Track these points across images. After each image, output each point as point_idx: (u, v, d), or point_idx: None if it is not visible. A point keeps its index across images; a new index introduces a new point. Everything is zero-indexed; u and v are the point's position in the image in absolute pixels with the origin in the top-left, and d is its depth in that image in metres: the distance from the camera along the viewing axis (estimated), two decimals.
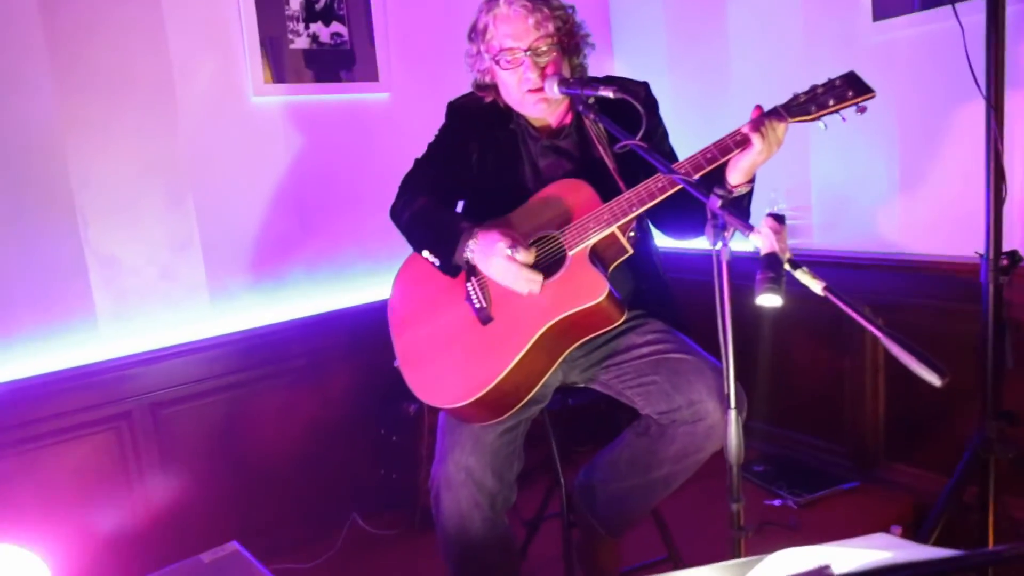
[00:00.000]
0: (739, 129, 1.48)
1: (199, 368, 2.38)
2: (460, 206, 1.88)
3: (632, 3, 3.22)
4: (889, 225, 2.51)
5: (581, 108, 1.58)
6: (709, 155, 1.50)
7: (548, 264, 1.63)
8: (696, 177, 1.49)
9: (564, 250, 1.62)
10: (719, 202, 1.21)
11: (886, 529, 2.29)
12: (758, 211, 1.49)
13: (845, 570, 0.72)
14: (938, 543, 1.93)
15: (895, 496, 2.49)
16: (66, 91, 2.16)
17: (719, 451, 1.48)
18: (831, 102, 1.45)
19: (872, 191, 2.53)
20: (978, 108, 1.89)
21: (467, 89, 1.83)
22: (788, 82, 1.57)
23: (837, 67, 1.49)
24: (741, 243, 1.18)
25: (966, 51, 1.83)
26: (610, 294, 1.55)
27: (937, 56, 2.28)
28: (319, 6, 2.55)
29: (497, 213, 1.71)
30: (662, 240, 1.85)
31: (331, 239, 2.66)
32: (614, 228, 1.57)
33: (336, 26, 2.60)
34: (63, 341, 2.19)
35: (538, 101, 1.67)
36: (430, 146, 1.86)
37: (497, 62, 1.67)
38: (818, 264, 2.59)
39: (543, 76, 1.63)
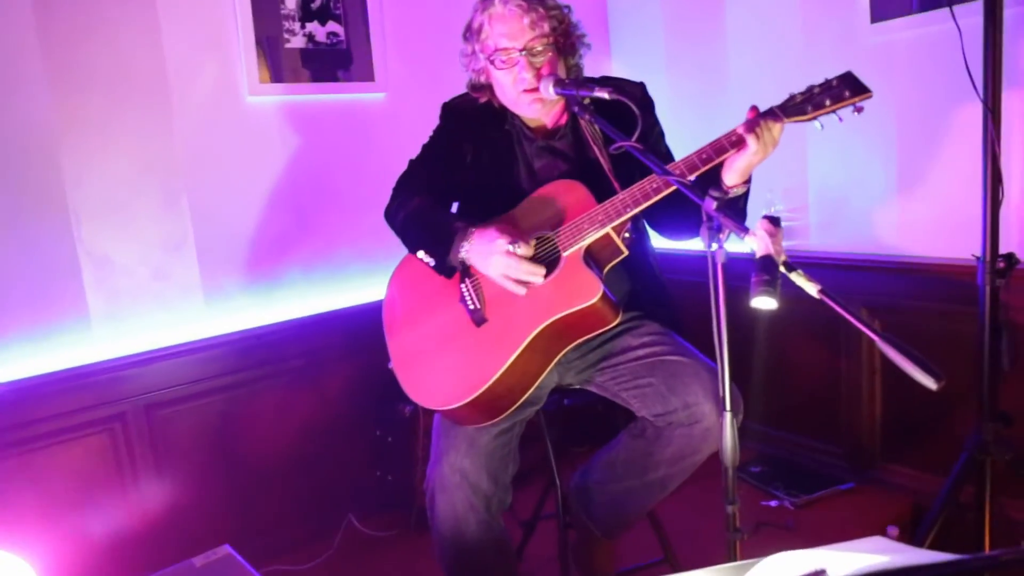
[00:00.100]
0: (734, 129, 1.47)
1: (194, 369, 2.36)
2: (455, 207, 1.87)
3: (631, 3, 3.22)
4: (886, 227, 2.50)
5: (576, 109, 1.57)
6: (704, 155, 1.50)
7: (542, 265, 1.62)
8: (692, 178, 1.49)
9: (559, 251, 1.61)
10: (714, 204, 1.20)
11: (883, 530, 2.29)
12: (755, 211, 1.49)
13: (841, 574, 0.71)
14: (935, 544, 1.93)
15: (892, 497, 2.49)
16: (60, 91, 2.14)
17: (716, 453, 1.48)
18: (827, 102, 1.44)
19: (869, 192, 2.53)
20: (975, 110, 1.89)
21: (464, 89, 1.82)
22: (786, 83, 1.56)
23: (835, 68, 1.48)
24: (738, 243, 1.18)
25: (964, 54, 1.83)
26: (604, 296, 1.54)
27: (935, 58, 2.28)
28: (315, 5, 2.55)
29: (492, 214, 1.70)
30: (659, 241, 1.85)
31: (327, 239, 2.65)
32: (608, 229, 1.57)
33: (332, 25, 2.59)
34: (56, 342, 2.17)
35: (533, 101, 1.66)
36: (424, 147, 1.86)
37: (492, 62, 1.65)
38: (815, 265, 2.59)
39: (538, 76, 1.62)
